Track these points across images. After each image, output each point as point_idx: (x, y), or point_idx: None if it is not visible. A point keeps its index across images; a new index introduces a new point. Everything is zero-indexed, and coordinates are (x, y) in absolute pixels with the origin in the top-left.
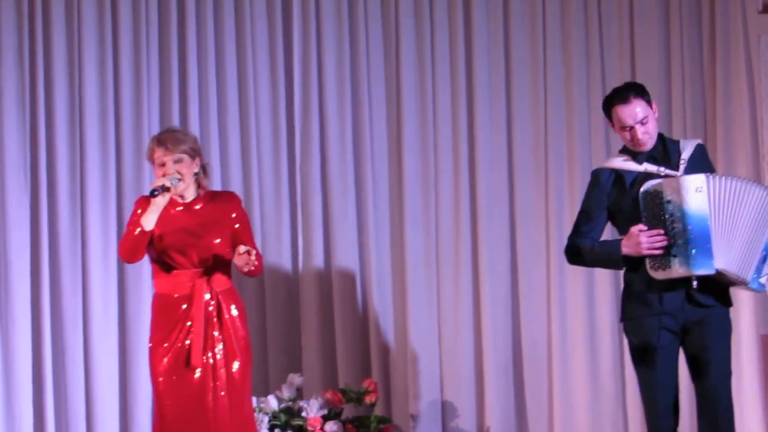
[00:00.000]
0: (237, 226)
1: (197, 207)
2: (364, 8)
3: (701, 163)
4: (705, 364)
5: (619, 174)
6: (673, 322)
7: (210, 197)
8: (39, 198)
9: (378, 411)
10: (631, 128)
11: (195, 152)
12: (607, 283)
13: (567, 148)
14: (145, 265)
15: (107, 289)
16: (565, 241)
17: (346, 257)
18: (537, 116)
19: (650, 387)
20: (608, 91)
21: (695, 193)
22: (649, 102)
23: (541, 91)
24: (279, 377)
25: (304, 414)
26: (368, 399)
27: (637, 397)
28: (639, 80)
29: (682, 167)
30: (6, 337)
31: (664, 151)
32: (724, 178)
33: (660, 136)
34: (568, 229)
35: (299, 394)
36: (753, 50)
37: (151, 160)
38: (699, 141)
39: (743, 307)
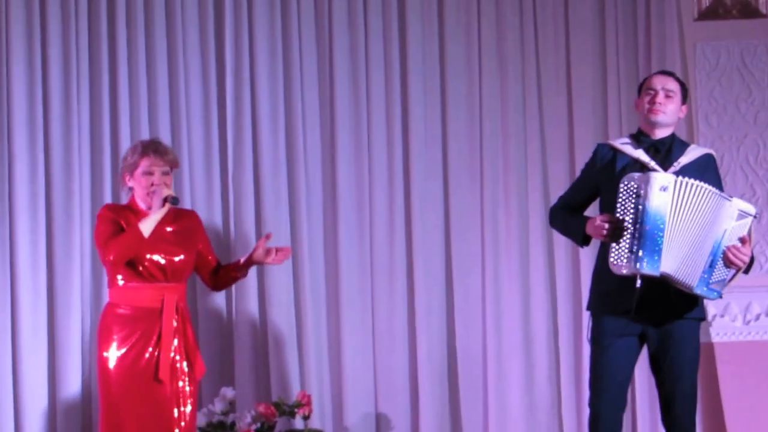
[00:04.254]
0: (201, 246)
1: (167, 222)
2: (297, 18)
3: (701, 173)
4: (667, 375)
5: (615, 155)
6: (628, 326)
7: (175, 215)
8: None
9: (312, 424)
10: (655, 93)
11: (176, 166)
12: (543, 292)
13: (502, 157)
14: (74, 278)
15: (36, 303)
16: (499, 250)
17: (279, 268)
18: (472, 125)
19: (596, 379)
20: (544, 100)
21: (659, 192)
22: (683, 95)
23: (476, 100)
24: (211, 390)
25: (236, 428)
26: (302, 412)
27: (573, 406)
28: (575, 89)
29: (672, 169)
30: None
31: (669, 149)
32: (690, 182)
33: (672, 135)
34: (503, 239)
35: (232, 407)
36: (689, 58)
37: (134, 166)
38: (709, 151)
39: None
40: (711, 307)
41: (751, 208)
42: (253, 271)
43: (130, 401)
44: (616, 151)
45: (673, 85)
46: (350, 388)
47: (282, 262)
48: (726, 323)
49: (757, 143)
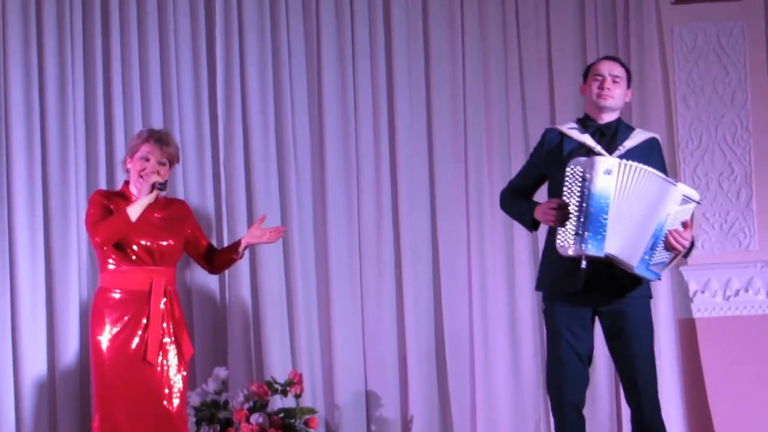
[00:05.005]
0: (191, 232)
1: (155, 211)
2: (285, 5)
3: (645, 157)
4: (623, 354)
5: (562, 139)
6: (579, 308)
7: (165, 203)
8: None
9: (303, 402)
10: (603, 79)
11: (176, 161)
12: (527, 270)
13: (486, 138)
14: (71, 265)
15: (35, 290)
16: (484, 231)
17: (270, 250)
18: (456, 107)
19: (555, 363)
20: (525, 82)
21: (603, 175)
22: (628, 80)
23: (459, 82)
24: (205, 371)
25: (229, 407)
26: (293, 390)
27: None
28: (556, 72)
29: (617, 153)
30: None
31: (614, 133)
32: (635, 166)
33: (618, 119)
34: (487, 219)
35: (225, 387)
36: (667, 40)
37: (135, 150)
38: (654, 135)
39: (660, 291)
40: (692, 284)
41: (695, 194)
42: (245, 256)
43: (121, 383)
44: (563, 136)
45: (619, 71)
46: (340, 368)
47: (277, 240)
48: (707, 299)
49: (735, 123)
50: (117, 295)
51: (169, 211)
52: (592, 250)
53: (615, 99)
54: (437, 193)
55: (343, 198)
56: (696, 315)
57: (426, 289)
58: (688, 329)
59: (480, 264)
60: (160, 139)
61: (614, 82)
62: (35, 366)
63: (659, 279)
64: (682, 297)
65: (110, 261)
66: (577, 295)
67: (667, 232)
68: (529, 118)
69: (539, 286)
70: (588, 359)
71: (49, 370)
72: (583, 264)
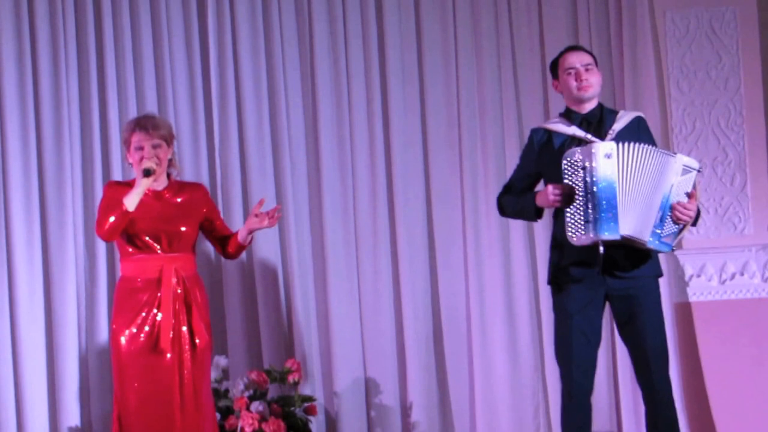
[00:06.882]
0: (206, 213)
1: (168, 195)
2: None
3: (636, 136)
4: (636, 341)
5: (550, 136)
6: (592, 292)
7: (179, 187)
8: None
9: (302, 390)
10: (577, 71)
11: (171, 138)
12: (522, 256)
13: (479, 127)
14: (68, 255)
15: (32, 281)
16: (479, 218)
17: (266, 240)
18: (449, 97)
19: (565, 348)
20: (518, 69)
21: (605, 159)
22: (596, 64)
23: (452, 71)
24: None
25: (230, 395)
26: (292, 378)
27: (556, 368)
28: (548, 58)
29: (608, 137)
30: None
31: (600, 119)
32: (632, 145)
33: (600, 105)
34: (481, 206)
35: (225, 375)
36: (659, 25)
37: (128, 143)
38: (639, 114)
39: None
40: (688, 268)
41: (694, 163)
42: None
43: (137, 372)
44: (550, 133)
45: (588, 58)
46: (339, 355)
47: (275, 224)
48: (702, 283)
49: (728, 108)
50: (133, 284)
51: (184, 195)
52: (607, 234)
53: (594, 87)
54: (432, 181)
55: (339, 187)
56: (692, 299)
57: (423, 276)
58: (684, 313)
59: (476, 250)
60: (144, 126)
61: (587, 70)
62: (34, 355)
63: (673, 250)
64: (678, 281)
65: (125, 250)
66: (593, 278)
67: (672, 204)
68: (523, 106)
69: (551, 280)
70: (597, 342)
71: (48, 359)
72: (601, 249)
